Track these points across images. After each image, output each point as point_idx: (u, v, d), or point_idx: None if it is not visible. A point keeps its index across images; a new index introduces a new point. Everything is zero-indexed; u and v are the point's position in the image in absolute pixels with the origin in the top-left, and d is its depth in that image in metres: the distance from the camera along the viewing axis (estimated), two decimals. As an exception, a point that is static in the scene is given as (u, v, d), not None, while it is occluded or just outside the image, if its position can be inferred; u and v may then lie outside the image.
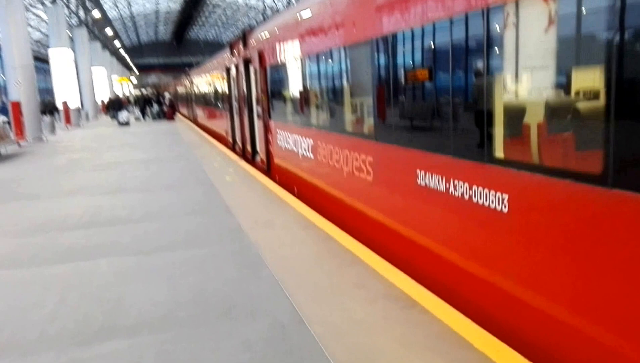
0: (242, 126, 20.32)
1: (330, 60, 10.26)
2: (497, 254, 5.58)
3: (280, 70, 13.96)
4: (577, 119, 4.68)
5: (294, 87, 12.96)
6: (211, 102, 31.22)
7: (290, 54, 12.78)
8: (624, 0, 3.86)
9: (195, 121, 43.84)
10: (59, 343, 5.56)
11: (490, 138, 5.55)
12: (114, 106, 51.75)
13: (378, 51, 8.15)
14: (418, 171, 7.03)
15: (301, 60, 12.03)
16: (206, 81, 33.11)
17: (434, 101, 6.91)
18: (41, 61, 75.83)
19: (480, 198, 5.69)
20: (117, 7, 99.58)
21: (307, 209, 10.73)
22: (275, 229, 9.43)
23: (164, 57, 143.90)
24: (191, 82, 45.03)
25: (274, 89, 15.07)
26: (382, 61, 8.12)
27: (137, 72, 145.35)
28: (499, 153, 5.49)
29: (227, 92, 23.70)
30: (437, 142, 6.61)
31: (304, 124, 12.20)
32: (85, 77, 55.69)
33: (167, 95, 55.02)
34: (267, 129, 16.07)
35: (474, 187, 5.80)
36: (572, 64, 4.79)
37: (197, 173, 16.37)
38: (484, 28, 5.56)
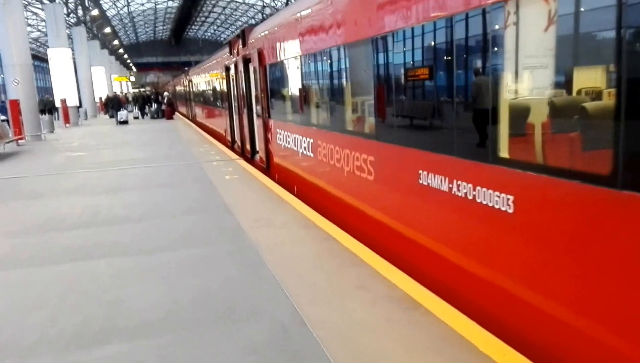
0: (241, 124, 20.26)
1: (330, 58, 10.20)
2: (501, 254, 5.51)
3: (279, 68, 13.91)
4: (585, 119, 4.60)
5: (294, 86, 12.89)
6: (210, 101, 31.19)
7: (290, 53, 12.72)
8: None
9: (194, 120, 43.80)
10: (58, 346, 5.50)
11: (495, 138, 5.48)
12: (113, 104, 51.69)
13: (379, 49, 8.09)
14: (420, 171, 6.96)
15: (301, 58, 11.97)
16: (205, 79, 33.08)
17: (437, 100, 6.85)
18: (40, 60, 75.78)
19: (485, 198, 5.61)
20: (115, 5, 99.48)
21: (306, 208, 10.68)
22: (275, 228, 9.38)
23: (162, 56, 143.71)
24: (190, 81, 44.98)
25: (274, 87, 15.02)
26: (384, 59, 8.06)
27: (136, 71, 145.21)
28: (505, 153, 5.41)
29: (226, 91, 23.64)
30: (441, 142, 6.55)
31: (304, 123, 12.15)
32: (83, 75, 55.59)
33: (166, 94, 54.91)
34: (266, 128, 16.01)
35: (478, 187, 5.73)
36: (581, 62, 4.71)
37: (196, 172, 16.32)
38: (489, 26, 5.49)
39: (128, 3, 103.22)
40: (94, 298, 6.71)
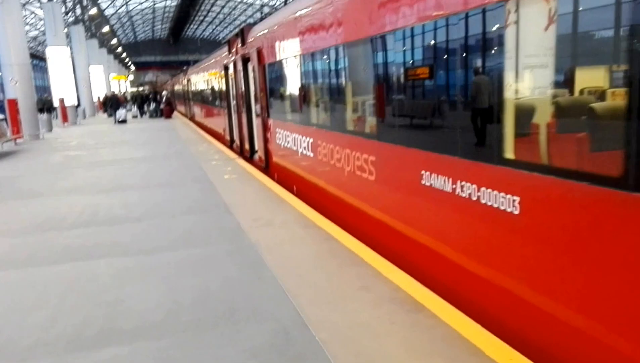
0: (240, 124, 20.21)
1: (330, 57, 10.13)
2: (506, 256, 5.44)
3: (279, 67, 13.85)
4: (596, 119, 4.52)
5: (294, 85, 12.82)
6: (209, 100, 31.14)
7: (289, 52, 12.66)
8: None
9: (192, 119, 43.77)
10: (56, 349, 5.43)
11: (501, 138, 5.40)
12: (111, 103, 51.66)
13: (381, 48, 8.02)
14: (423, 171, 6.89)
15: (301, 57, 11.91)
16: (204, 78, 33.04)
17: (440, 100, 6.78)
18: (38, 59, 75.71)
19: (490, 199, 5.54)
20: (114, 4, 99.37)
21: (306, 208, 10.62)
22: (275, 228, 9.32)
23: (161, 55, 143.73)
24: (189, 80, 44.94)
25: (273, 86, 14.95)
26: (385, 58, 7.99)
27: (134, 70, 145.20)
28: (511, 154, 5.33)
29: (225, 90, 23.58)
30: (444, 143, 6.48)
31: (304, 123, 12.08)
32: (82, 74, 55.55)
33: (164, 93, 54.86)
34: (265, 127, 15.96)
35: (483, 188, 5.66)
36: (591, 61, 4.62)
37: (195, 171, 16.26)
38: (493, 24, 5.43)
39: (126, 2, 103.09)
40: (94, 298, 6.65)
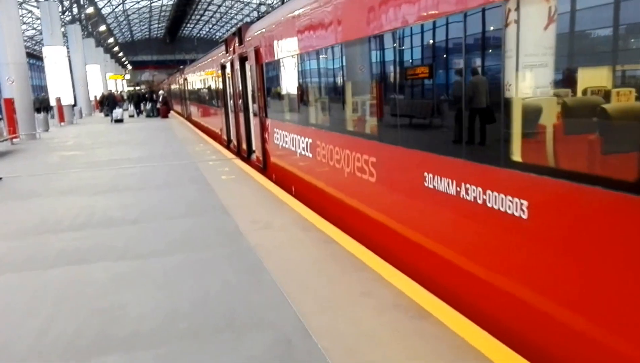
0: (238, 123, 20.12)
1: (330, 57, 10.00)
2: (512, 260, 5.30)
3: (277, 67, 13.72)
4: (609, 120, 4.36)
5: (292, 85, 12.69)
6: (206, 99, 31.06)
7: (287, 51, 12.53)
8: None
9: (189, 119, 43.69)
10: (51, 358, 5.28)
11: (508, 140, 5.24)
12: (108, 102, 51.59)
13: (383, 47, 7.89)
14: (425, 173, 6.75)
15: (299, 57, 11.78)
16: (201, 78, 32.95)
17: (443, 100, 6.63)
18: (35, 58, 75.61)
19: (496, 203, 5.39)
20: (110, 3, 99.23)
21: (305, 209, 10.48)
22: (274, 230, 9.18)
23: (157, 54, 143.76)
24: (185, 80, 44.86)
25: (271, 86, 14.83)
26: (387, 57, 7.86)
27: (131, 69, 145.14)
28: (519, 156, 5.17)
29: (222, 89, 23.47)
30: (448, 144, 6.33)
31: (302, 123, 11.96)
32: (78, 73, 55.44)
33: (161, 92, 54.76)
34: (263, 128, 15.85)
35: (489, 191, 5.50)
36: (603, 60, 4.46)
37: (192, 171, 16.14)
38: (498, 23, 5.28)
39: (123, 1, 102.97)
40: (89, 304, 6.50)
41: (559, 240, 4.64)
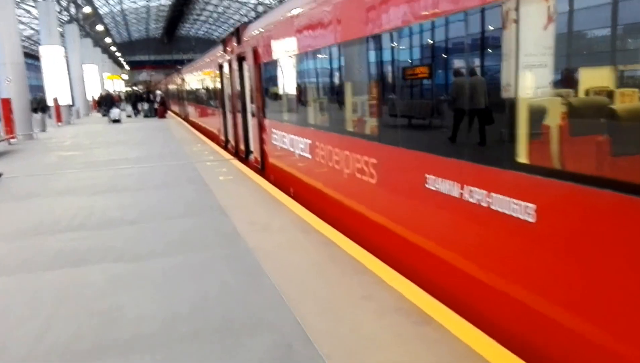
0: (235, 124, 20.05)
1: (330, 57, 9.95)
2: (519, 265, 5.22)
3: (275, 67, 13.65)
4: (621, 120, 4.25)
5: (291, 85, 12.63)
6: (203, 100, 31.00)
7: (286, 51, 12.47)
8: None
9: (186, 119, 43.61)
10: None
11: (514, 142, 5.13)
12: (106, 102, 51.56)
13: (384, 47, 7.83)
14: (427, 175, 6.68)
15: (298, 57, 11.72)
16: (198, 78, 32.89)
17: (445, 100, 6.55)
18: (32, 58, 75.43)
19: (502, 206, 5.30)
20: (108, 2, 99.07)
21: (304, 211, 10.42)
22: (273, 232, 9.12)
23: (155, 54, 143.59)
24: (183, 80, 44.80)
25: (270, 86, 14.76)
26: (388, 57, 7.80)
27: (128, 69, 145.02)
28: (527, 158, 5.05)
29: (220, 89, 23.41)
30: (451, 145, 6.25)
31: (301, 124, 11.90)
32: (76, 73, 55.36)
33: (158, 92, 54.71)
34: (261, 128, 15.79)
35: (494, 195, 5.42)
36: (615, 58, 4.37)
37: (190, 172, 16.09)
38: (504, 22, 5.21)
39: (121, 1, 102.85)
40: (87, 307, 6.43)
41: (568, 245, 4.56)
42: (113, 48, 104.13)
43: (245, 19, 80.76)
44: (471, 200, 5.76)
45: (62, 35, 50.22)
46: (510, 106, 5.15)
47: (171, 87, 60.80)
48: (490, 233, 5.56)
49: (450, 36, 6.27)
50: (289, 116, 13.07)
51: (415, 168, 6.98)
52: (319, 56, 10.46)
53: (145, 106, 50.17)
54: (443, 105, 6.62)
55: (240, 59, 17.97)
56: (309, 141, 11.38)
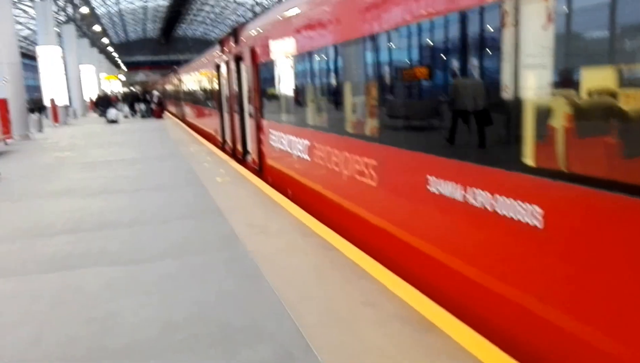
0: (233, 125, 19.97)
1: (329, 56, 9.81)
2: (526, 270, 5.06)
3: (274, 67, 13.52)
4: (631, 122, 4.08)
5: (289, 85, 12.50)
6: (201, 100, 30.92)
7: (285, 51, 12.33)
8: None
9: (183, 120, 43.54)
10: (40, 371, 5.08)
11: (521, 143, 4.95)
12: (103, 103, 51.53)
13: (385, 46, 7.69)
14: (428, 176, 6.52)
15: (297, 57, 11.58)
16: (195, 78, 32.83)
17: (450, 99, 6.37)
18: (30, 58, 75.39)
19: (508, 210, 5.13)
20: (105, 3, 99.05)
21: (303, 214, 10.28)
22: (271, 235, 8.98)
23: (152, 55, 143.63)
24: (180, 80, 44.73)
25: (268, 87, 14.62)
26: (389, 56, 7.66)
27: (126, 70, 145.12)
28: (532, 160, 4.87)
29: (217, 90, 23.30)
30: (454, 147, 6.10)
31: (300, 124, 11.76)
32: (73, 74, 55.28)
33: (155, 93, 54.65)
34: (259, 129, 15.67)
35: (500, 198, 5.25)
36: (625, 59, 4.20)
37: (187, 173, 15.98)
38: (507, 17, 5.05)
39: (118, 1, 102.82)
40: (82, 313, 6.27)
41: (577, 250, 4.40)
42: (110, 48, 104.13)
43: (243, 20, 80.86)
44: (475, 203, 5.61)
45: (59, 35, 50.11)
46: (518, 106, 4.98)
47: (168, 87, 60.75)
48: (494, 237, 5.41)
49: (455, 36, 6.13)
50: (287, 117, 12.94)
51: (417, 169, 6.82)
52: (318, 56, 10.33)
53: (142, 106, 50.13)
54: (448, 105, 6.44)
55: (238, 59, 17.87)
56: (307, 142, 11.25)
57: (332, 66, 9.85)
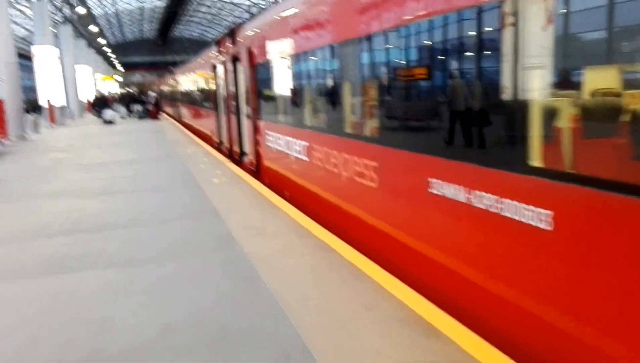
0: (230, 125, 19.93)
1: (328, 56, 9.77)
2: (534, 274, 5.00)
3: (271, 67, 13.48)
4: None
5: (287, 86, 12.46)
6: (197, 101, 30.86)
7: (282, 51, 12.29)
8: None
9: (180, 121, 43.48)
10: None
11: (529, 144, 4.85)
12: (99, 104, 51.48)
13: (385, 45, 7.65)
14: (430, 179, 6.47)
15: (295, 57, 11.54)
16: (192, 79, 32.76)
17: (453, 99, 6.30)
18: (27, 59, 75.33)
19: (516, 213, 5.09)
20: (102, 3, 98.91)
21: (301, 215, 10.24)
22: (269, 237, 8.94)
23: (148, 56, 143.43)
24: (177, 81, 44.66)
25: (265, 87, 14.57)
26: (389, 56, 7.62)
27: (122, 71, 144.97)
28: (543, 162, 4.76)
29: (214, 90, 23.26)
30: (457, 148, 6.05)
31: (298, 125, 11.72)
32: (69, 75, 55.15)
33: (152, 93, 54.56)
34: (256, 130, 15.63)
35: (506, 201, 5.20)
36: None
37: (184, 174, 15.92)
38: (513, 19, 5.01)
39: (115, 2, 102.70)
40: (78, 317, 6.22)
41: (587, 254, 4.35)
42: (107, 49, 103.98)
43: (240, 21, 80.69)
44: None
45: (57, 36, 50.04)
46: (525, 106, 4.91)
47: (164, 88, 60.67)
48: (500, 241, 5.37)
49: (455, 35, 6.09)
50: (284, 118, 12.89)
51: (418, 171, 6.78)
52: (316, 56, 10.29)
53: (139, 107, 50.06)
54: (452, 105, 6.36)
55: (235, 59, 17.83)
56: (305, 143, 11.21)
57: (332, 66, 9.80)
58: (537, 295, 4.92)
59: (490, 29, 5.48)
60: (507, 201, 5.11)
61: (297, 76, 11.74)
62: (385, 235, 7.93)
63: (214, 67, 22.55)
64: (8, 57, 29.50)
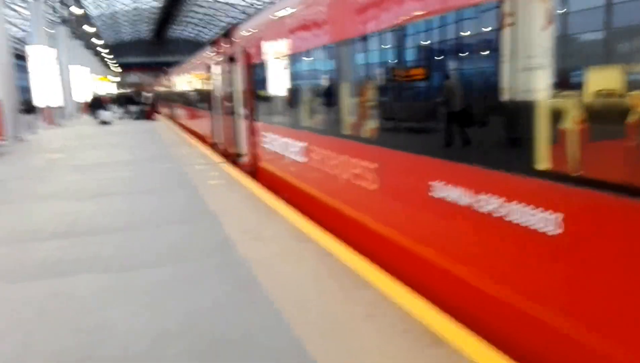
0: (226, 126, 19.85)
1: (326, 56, 9.65)
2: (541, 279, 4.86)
3: (267, 68, 13.37)
4: None
5: (284, 86, 12.34)
6: (192, 102, 30.82)
7: (279, 51, 12.18)
8: None
9: (176, 121, 43.42)
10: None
11: (535, 146, 4.72)
12: (96, 104, 51.39)
13: (385, 45, 7.54)
14: (431, 182, 6.34)
15: (292, 57, 11.43)
16: (187, 80, 32.71)
17: (455, 99, 6.17)
18: (24, 60, 75.36)
19: (522, 216, 4.94)
20: (99, 4, 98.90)
21: (298, 218, 10.09)
22: (267, 241, 8.79)
23: (144, 56, 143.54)
24: (172, 82, 44.62)
25: (261, 88, 14.47)
26: (389, 56, 7.51)
27: (119, 71, 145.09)
28: (547, 164, 4.62)
29: (210, 91, 23.16)
30: (460, 149, 5.92)
31: (295, 126, 11.60)
32: (66, 75, 55.03)
33: (148, 94, 54.51)
34: (252, 131, 15.53)
35: (513, 204, 5.06)
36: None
37: (180, 176, 15.80)
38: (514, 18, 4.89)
39: (111, 3, 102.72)
40: (71, 323, 6.06)
41: (596, 259, 4.21)
42: (104, 50, 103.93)
43: (235, 21, 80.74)
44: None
45: (54, 37, 49.93)
46: (532, 107, 4.76)
47: (160, 88, 60.65)
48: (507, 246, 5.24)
49: (457, 34, 5.96)
50: (281, 118, 12.78)
51: (419, 173, 6.64)
52: (314, 56, 10.19)
53: (135, 108, 50.02)
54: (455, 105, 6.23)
55: (231, 60, 17.75)
56: (302, 144, 11.09)
57: (330, 67, 9.68)
58: (544, 300, 4.80)
59: (490, 28, 5.37)
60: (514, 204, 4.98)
61: (293, 77, 11.63)
62: (382, 237, 7.83)
63: (210, 67, 22.47)
64: (3, 57, 29.33)
